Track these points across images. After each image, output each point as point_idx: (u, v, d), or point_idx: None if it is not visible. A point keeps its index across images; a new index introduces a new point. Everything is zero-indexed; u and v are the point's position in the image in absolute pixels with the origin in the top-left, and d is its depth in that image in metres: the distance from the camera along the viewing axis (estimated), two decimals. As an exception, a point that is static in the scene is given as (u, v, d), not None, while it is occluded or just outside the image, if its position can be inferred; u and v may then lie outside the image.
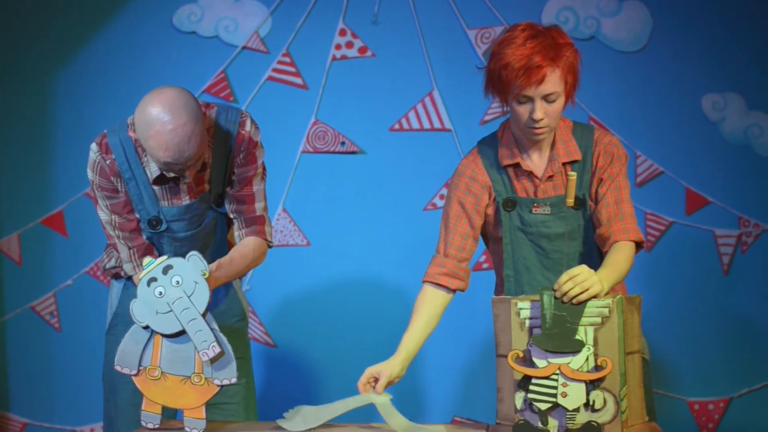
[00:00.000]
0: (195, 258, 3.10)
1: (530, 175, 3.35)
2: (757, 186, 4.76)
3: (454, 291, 3.40)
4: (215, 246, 3.56)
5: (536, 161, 3.35)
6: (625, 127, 4.75)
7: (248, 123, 3.47)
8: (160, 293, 3.09)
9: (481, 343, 4.80)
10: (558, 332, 2.94)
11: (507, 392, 3.08)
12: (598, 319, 2.95)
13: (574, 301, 2.96)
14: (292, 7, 4.88)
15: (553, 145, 3.34)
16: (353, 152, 4.88)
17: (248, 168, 3.49)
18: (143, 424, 3.12)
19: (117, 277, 3.63)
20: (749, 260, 4.76)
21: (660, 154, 4.78)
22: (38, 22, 4.94)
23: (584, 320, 2.95)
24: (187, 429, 3.09)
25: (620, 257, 3.21)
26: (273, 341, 4.90)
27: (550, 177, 3.34)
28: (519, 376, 2.97)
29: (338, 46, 4.87)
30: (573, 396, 2.92)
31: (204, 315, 3.08)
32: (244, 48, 4.90)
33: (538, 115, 3.22)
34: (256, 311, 4.88)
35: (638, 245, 3.29)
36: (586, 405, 2.92)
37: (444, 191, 4.79)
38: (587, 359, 2.93)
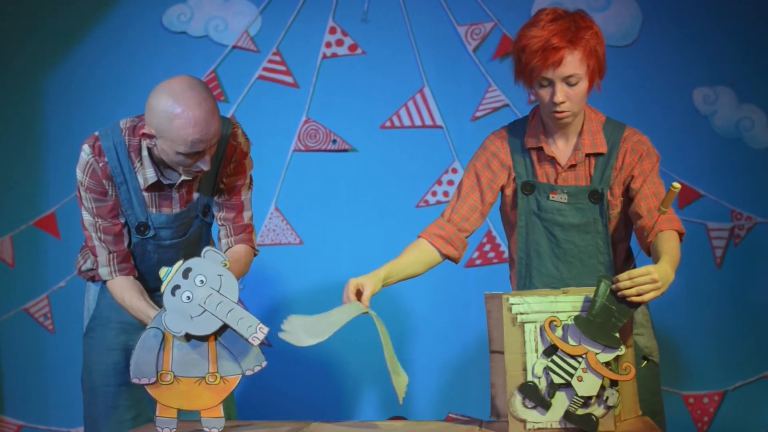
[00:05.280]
0: (211, 252, 3.07)
1: (553, 161, 3.35)
2: (749, 179, 4.76)
3: (445, 257, 3.40)
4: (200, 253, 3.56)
5: (561, 148, 3.36)
6: (617, 122, 4.74)
7: (239, 134, 3.49)
8: (188, 298, 3.04)
9: (474, 340, 4.79)
10: (601, 322, 2.94)
11: (500, 388, 3.08)
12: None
13: (627, 300, 2.94)
14: (282, 5, 4.88)
15: (580, 135, 3.35)
16: (345, 150, 4.88)
17: (237, 177, 3.50)
18: (159, 430, 3.08)
19: (93, 279, 3.61)
20: (742, 253, 4.76)
21: (651, 149, 4.78)
22: (28, 24, 4.93)
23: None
24: (206, 429, 3.08)
25: (674, 245, 3.19)
26: (267, 340, 4.89)
27: (573, 166, 3.34)
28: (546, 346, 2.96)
29: (328, 44, 4.87)
30: (587, 384, 2.94)
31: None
32: (234, 47, 4.90)
33: (558, 97, 3.22)
34: (249, 310, 4.86)
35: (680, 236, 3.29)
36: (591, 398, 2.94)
37: (436, 188, 4.80)
38: (616, 358, 2.95)
